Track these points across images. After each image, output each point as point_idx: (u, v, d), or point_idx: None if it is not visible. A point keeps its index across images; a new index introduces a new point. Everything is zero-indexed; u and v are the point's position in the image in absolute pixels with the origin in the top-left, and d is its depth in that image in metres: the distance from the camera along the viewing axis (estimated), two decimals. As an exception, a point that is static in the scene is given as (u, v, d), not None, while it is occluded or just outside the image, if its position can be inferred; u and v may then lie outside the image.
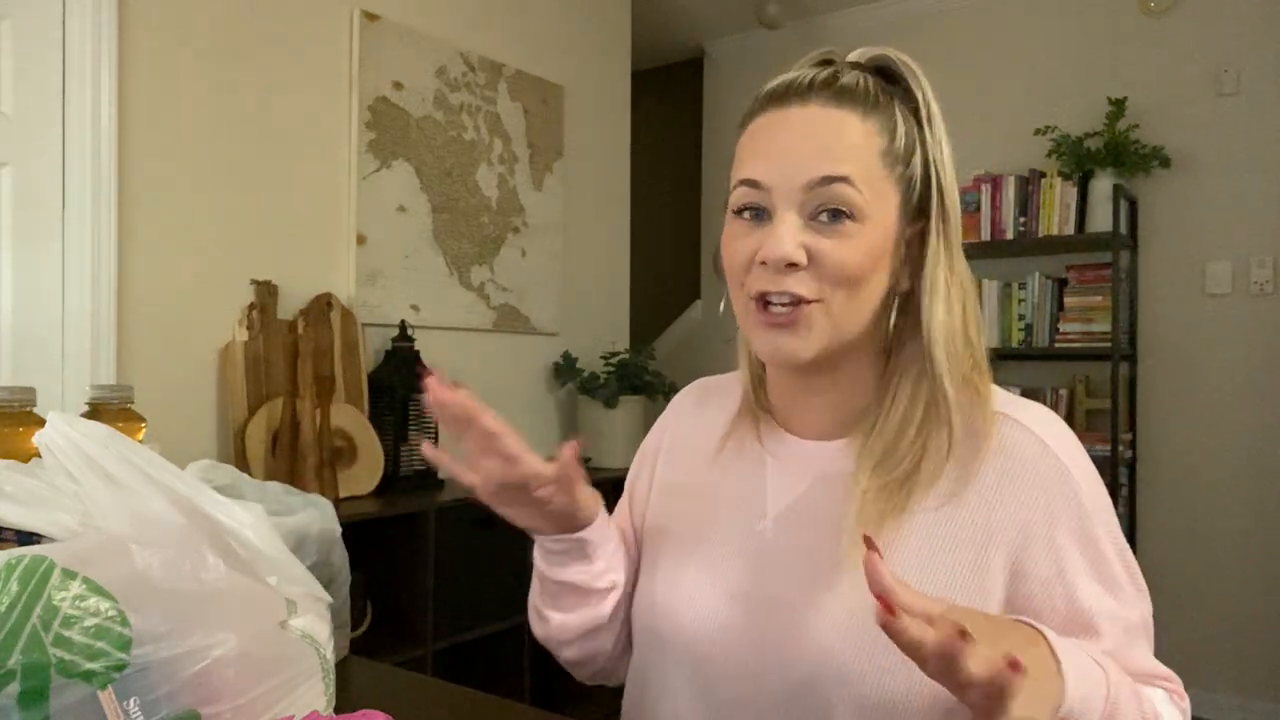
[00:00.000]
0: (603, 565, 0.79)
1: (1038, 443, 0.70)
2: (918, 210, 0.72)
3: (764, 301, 0.71)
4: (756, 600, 0.74)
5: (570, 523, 0.76)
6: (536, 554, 0.79)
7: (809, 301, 0.69)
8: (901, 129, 0.71)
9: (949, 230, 0.71)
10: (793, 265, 0.68)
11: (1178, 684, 0.71)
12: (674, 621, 0.77)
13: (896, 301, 0.73)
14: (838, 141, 0.69)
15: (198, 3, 2.04)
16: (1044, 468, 0.69)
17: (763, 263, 0.69)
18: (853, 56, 0.74)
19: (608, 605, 0.80)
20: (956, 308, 0.71)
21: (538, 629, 0.84)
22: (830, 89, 0.70)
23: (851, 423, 0.76)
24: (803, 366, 0.72)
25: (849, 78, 0.71)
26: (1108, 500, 0.71)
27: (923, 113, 0.72)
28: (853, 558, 0.68)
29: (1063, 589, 0.67)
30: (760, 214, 0.71)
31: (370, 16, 2.39)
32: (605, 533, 0.79)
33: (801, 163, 0.69)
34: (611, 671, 0.87)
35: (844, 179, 0.68)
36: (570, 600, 0.80)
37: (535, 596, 0.83)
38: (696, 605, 0.76)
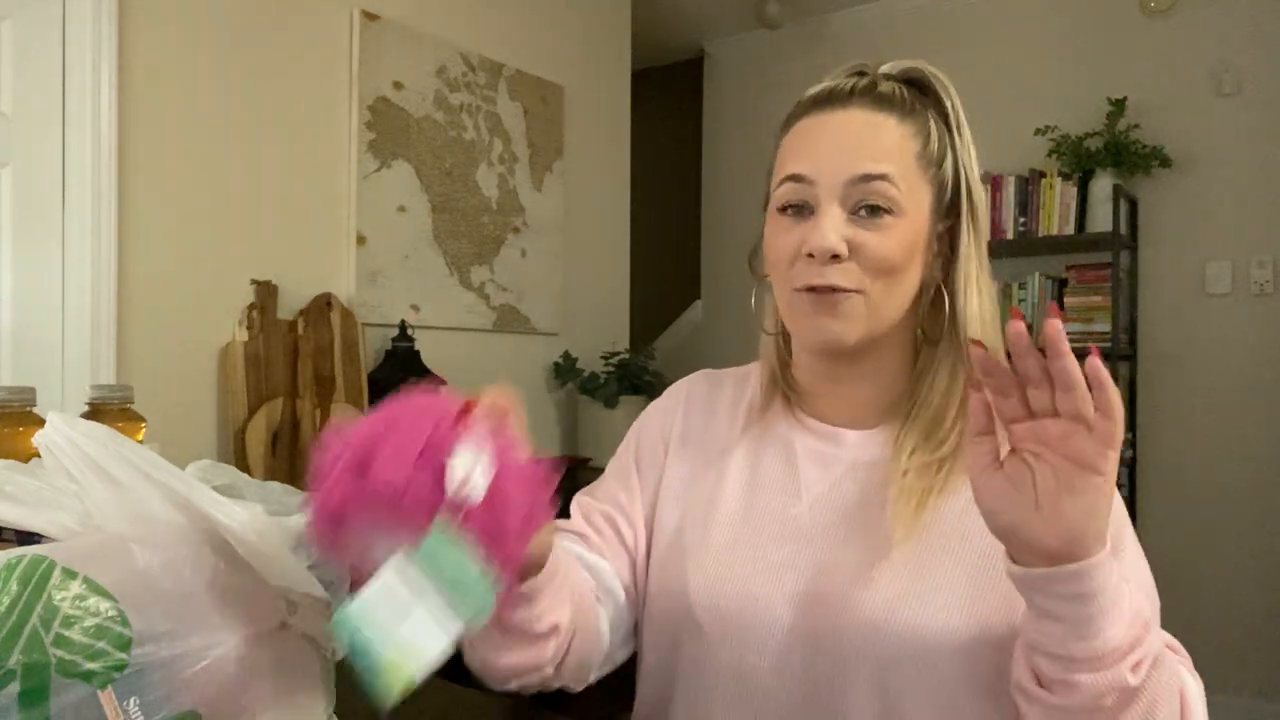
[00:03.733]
0: (545, 604, 0.67)
1: None
2: (948, 209, 0.78)
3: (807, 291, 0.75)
4: (801, 583, 0.74)
5: None
6: None
7: (850, 291, 0.73)
8: (934, 134, 0.77)
9: (979, 228, 0.78)
10: (836, 257, 0.73)
11: (1187, 660, 0.71)
12: (716, 610, 0.76)
13: (928, 295, 0.78)
14: (878, 142, 0.74)
15: (198, 3, 2.04)
16: None
17: (809, 255, 0.73)
18: (885, 69, 0.80)
19: (549, 649, 0.70)
20: (988, 301, 0.77)
21: (469, 657, 0.71)
22: (870, 95, 0.76)
23: (883, 412, 0.80)
24: (841, 354, 0.77)
25: (885, 86, 0.77)
26: (1124, 509, 0.75)
27: (953, 120, 0.78)
28: (897, 538, 0.72)
29: None
30: (802, 209, 0.75)
31: (370, 16, 2.39)
32: (548, 572, 0.67)
33: (845, 159, 0.74)
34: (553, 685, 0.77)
35: (884, 176, 0.73)
36: (501, 641, 0.69)
37: None
38: (739, 593, 0.76)
